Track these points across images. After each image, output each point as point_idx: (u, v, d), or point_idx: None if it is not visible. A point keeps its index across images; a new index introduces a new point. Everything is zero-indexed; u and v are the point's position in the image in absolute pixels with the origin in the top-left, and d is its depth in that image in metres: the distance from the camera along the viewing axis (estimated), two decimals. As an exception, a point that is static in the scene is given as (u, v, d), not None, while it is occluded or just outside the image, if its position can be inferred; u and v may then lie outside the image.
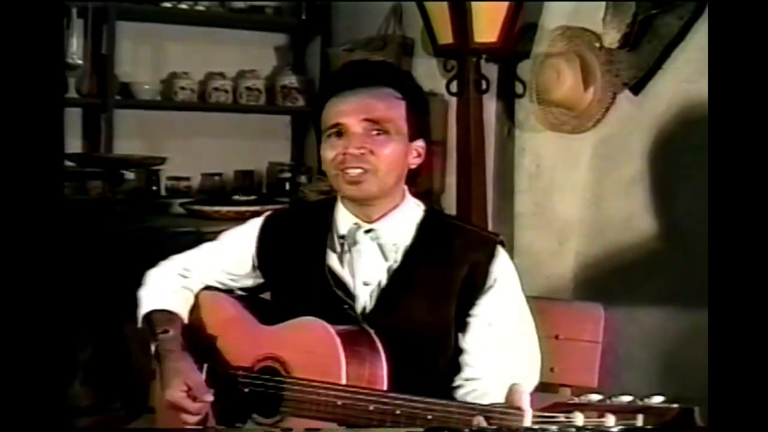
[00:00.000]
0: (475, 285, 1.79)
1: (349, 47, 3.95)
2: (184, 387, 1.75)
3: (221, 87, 4.23)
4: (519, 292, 1.84)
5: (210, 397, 1.75)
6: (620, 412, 1.30)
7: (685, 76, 2.81)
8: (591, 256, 3.13)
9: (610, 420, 1.30)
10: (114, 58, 3.91)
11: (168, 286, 1.96)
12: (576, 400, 1.35)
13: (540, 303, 1.95)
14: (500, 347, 1.76)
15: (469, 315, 1.78)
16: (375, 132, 1.76)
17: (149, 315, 1.92)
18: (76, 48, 3.77)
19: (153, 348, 1.86)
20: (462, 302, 1.78)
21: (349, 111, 1.76)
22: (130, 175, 3.89)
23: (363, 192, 1.78)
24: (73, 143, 3.91)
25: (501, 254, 1.82)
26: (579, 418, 1.32)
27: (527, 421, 1.40)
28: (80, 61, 3.82)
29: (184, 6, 4.12)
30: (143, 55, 4.14)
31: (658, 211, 2.93)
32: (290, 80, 4.36)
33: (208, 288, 1.98)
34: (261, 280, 1.97)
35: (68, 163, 3.67)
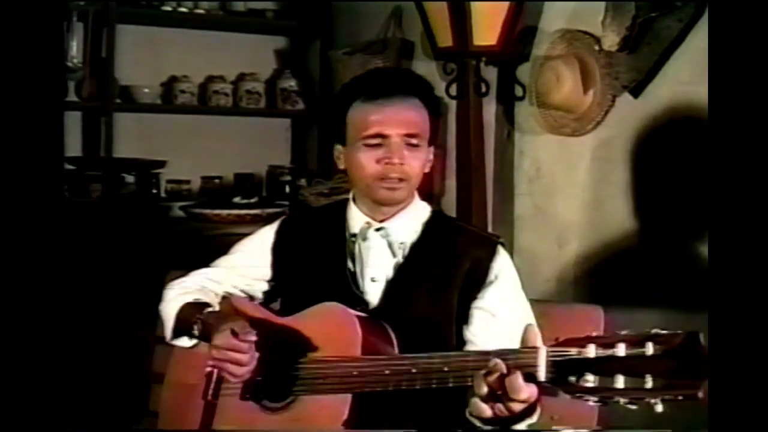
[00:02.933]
0: (477, 279, 1.86)
1: (349, 50, 3.96)
2: (229, 332, 1.76)
3: (221, 90, 4.24)
4: (519, 289, 1.91)
5: (253, 336, 1.75)
6: (630, 341, 1.33)
7: (685, 78, 2.81)
8: (591, 258, 3.13)
9: (620, 349, 1.33)
10: (114, 61, 3.92)
11: (191, 289, 1.99)
12: (587, 334, 1.39)
13: (540, 306, 1.96)
14: (505, 337, 1.77)
15: (472, 307, 1.85)
16: (411, 144, 1.85)
17: (180, 313, 1.95)
18: (76, 51, 3.78)
19: (197, 328, 1.88)
20: (464, 295, 1.85)
21: (392, 122, 1.84)
22: (130, 178, 3.90)
23: (397, 198, 1.88)
24: (74, 146, 3.92)
25: (501, 253, 1.91)
26: (591, 350, 1.36)
27: (542, 358, 1.42)
28: (80, 65, 3.82)
29: (183, 9, 4.13)
30: (143, 58, 4.14)
31: (657, 213, 2.93)
32: (290, 83, 4.36)
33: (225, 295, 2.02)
34: (274, 286, 2.02)
35: (69, 166, 3.68)
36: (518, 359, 1.47)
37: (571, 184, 3.21)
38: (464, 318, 1.85)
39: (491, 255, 1.88)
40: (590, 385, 1.35)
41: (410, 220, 1.92)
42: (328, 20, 4.35)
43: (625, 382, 1.32)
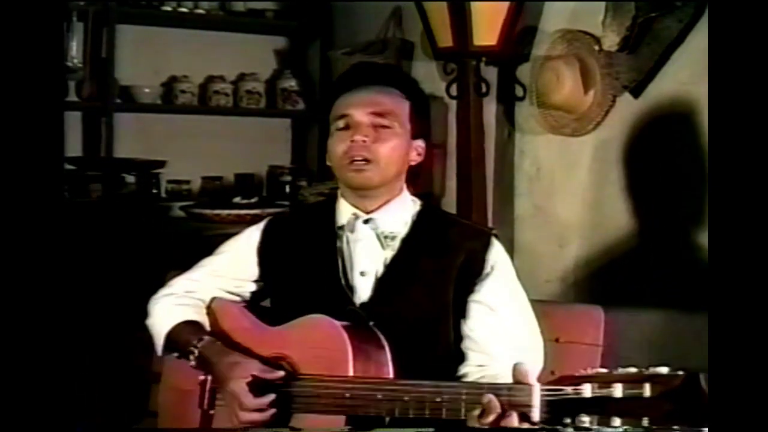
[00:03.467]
0: (473, 272, 1.83)
1: (348, 50, 3.95)
2: (248, 378, 1.73)
3: (221, 90, 4.23)
4: (515, 280, 1.88)
5: (272, 395, 1.71)
6: (627, 381, 1.31)
7: (685, 78, 2.81)
8: (591, 258, 3.13)
9: (617, 390, 1.31)
10: (114, 61, 3.91)
11: (178, 304, 1.95)
12: (583, 372, 1.35)
13: (540, 306, 1.95)
14: (505, 331, 1.79)
15: (469, 301, 1.81)
16: (380, 125, 1.83)
17: (170, 333, 1.90)
18: (76, 51, 3.77)
19: (194, 357, 1.83)
20: (460, 289, 1.82)
21: (356, 104, 1.84)
22: (130, 178, 3.90)
23: (365, 180, 1.83)
24: (74, 146, 3.92)
25: (496, 244, 1.87)
26: (587, 389, 1.33)
27: (536, 397, 1.40)
28: (80, 65, 3.82)
29: (184, 9, 4.12)
30: (143, 58, 4.14)
31: (658, 213, 2.93)
32: (290, 83, 4.36)
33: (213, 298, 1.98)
34: (262, 286, 1.98)
35: (69, 167, 3.68)
36: (511, 397, 1.44)
37: (571, 184, 3.21)
38: (461, 312, 1.81)
39: (486, 246, 1.85)
40: (586, 426, 1.32)
41: (399, 212, 1.88)
42: (328, 20, 4.35)
43: (622, 424, 1.29)
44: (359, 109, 1.84)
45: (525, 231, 3.37)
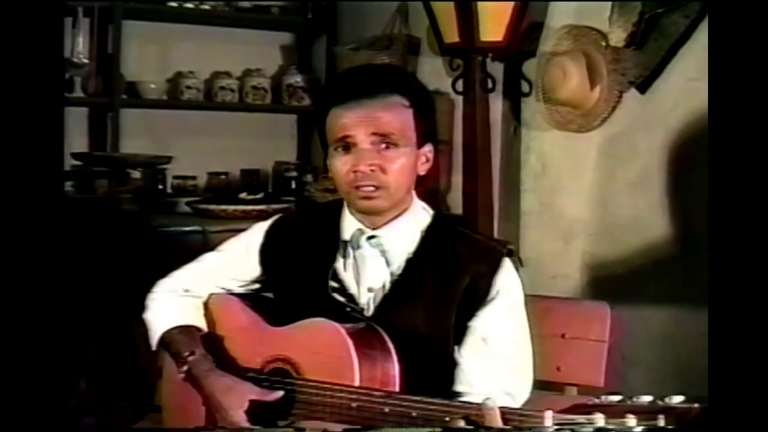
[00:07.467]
0: (476, 297, 1.74)
1: (354, 46, 3.95)
2: (245, 406, 1.70)
3: (227, 86, 4.24)
4: (520, 306, 1.79)
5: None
6: (641, 412, 1.27)
7: (692, 74, 2.80)
8: (597, 255, 3.13)
9: (631, 421, 1.27)
10: (120, 57, 3.92)
11: (176, 302, 1.92)
12: (596, 401, 1.33)
13: (546, 302, 1.95)
14: (493, 362, 1.72)
15: (466, 327, 1.74)
16: (384, 146, 1.71)
17: (165, 336, 1.87)
18: (82, 47, 3.77)
19: (182, 371, 1.80)
20: (461, 313, 1.74)
21: (356, 123, 1.71)
22: (136, 174, 3.90)
23: (375, 207, 1.75)
24: (80, 142, 3.93)
25: (506, 266, 1.77)
26: (600, 419, 1.30)
27: (548, 422, 1.38)
28: (86, 61, 3.81)
29: (190, 5, 4.13)
30: (149, 54, 4.15)
31: (664, 209, 2.92)
32: (296, 79, 4.36)
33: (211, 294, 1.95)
34: (263, 286, 1.95)
35: (75, 163, 3.69)
36: (522, 422, 1.42)
37: (577, 181, 3.20)
38: (458, 337, 1.74)
39: (494, 269, 1.75)
40: None
41: (406, 228, 1.79)
42: (334, 16, 4.35)
43: None
44: (359, 129, 1.70)
45: (531, 227, 3.37)
